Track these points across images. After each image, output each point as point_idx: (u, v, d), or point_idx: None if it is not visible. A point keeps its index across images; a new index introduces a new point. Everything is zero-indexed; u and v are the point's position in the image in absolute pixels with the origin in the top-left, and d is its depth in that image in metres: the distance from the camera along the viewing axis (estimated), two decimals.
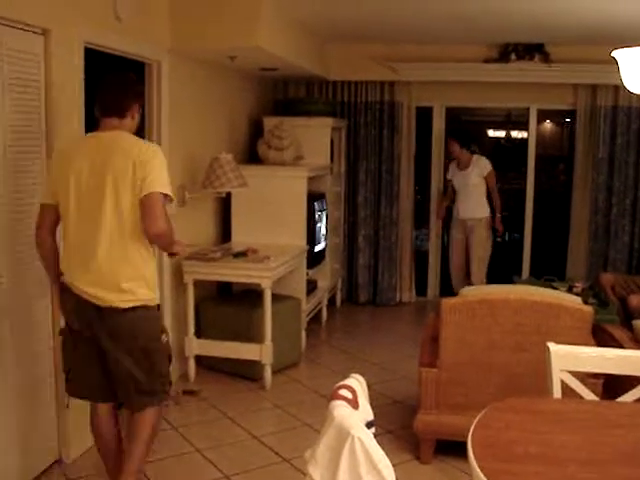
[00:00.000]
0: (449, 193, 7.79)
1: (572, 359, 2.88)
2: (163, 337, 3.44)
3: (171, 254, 3.63)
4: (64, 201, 3.28)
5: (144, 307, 3.32)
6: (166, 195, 3.26)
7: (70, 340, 3.42)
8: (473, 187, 7.45)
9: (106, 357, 3.34)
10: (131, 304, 3.27)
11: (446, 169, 7.94)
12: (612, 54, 2.63)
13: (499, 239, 7.92)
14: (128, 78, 3.51)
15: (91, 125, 3.64)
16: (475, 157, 7.51)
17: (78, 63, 4.07)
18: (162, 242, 3.37)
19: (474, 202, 7.49)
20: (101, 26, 4.30)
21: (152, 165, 3.22)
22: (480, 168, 7.44)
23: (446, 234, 8.33)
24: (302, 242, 6.34)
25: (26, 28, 3.62)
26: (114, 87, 3.40)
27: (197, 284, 5.52)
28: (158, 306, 3.48)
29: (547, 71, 7.39)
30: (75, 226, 3.28)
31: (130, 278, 3.27)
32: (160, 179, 3.23)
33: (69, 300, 3.34)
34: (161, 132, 5.18)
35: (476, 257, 7.51)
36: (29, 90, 3.70)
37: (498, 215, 7.53)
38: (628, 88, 2.66)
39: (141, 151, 3.25)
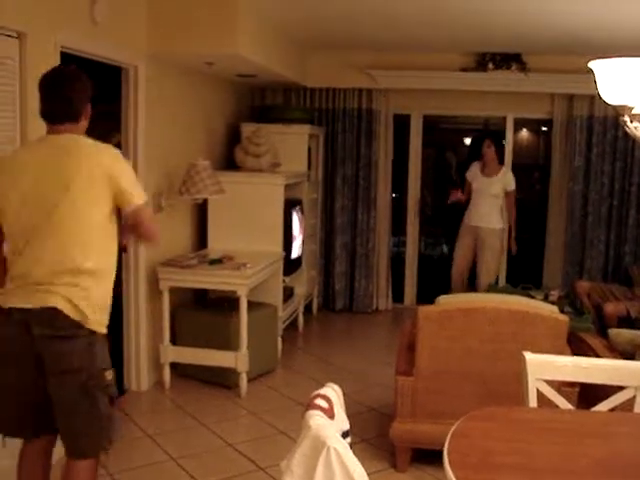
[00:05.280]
0: (467, 192, 7.50)
1: (548, 368, 2.88)
2: None
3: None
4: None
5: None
6: None
7: None
8: (493, 197, 7.32)
9: None
10: None
11: (466, 168, 7.74)
12: (588, 65, 2.65)
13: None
14: (73, 76, 3.04)
15: None
16: (504, 169, 7.42)
17: None
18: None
19: (489, 211, 7.34)
20: (78, 30, 4.27)
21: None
22: (507, 181, 7.33)
23: (451, 241, 8.16)
24: (279, 249, 6.32)
25: (1, 31, 3.57)
26: (63, 91, 2.98)
27: (173, 291, 5.49)
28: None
29: (524, 80, 7.43)
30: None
31: None
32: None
33: None
34: (138, 137, 5.13)
35: (485, 265, 7.34)
36: (3, 95, 3.66)
37: (513, 234, 7.42)
38: (604, 99, 2.68)
39: (110, 159, 2.97)
